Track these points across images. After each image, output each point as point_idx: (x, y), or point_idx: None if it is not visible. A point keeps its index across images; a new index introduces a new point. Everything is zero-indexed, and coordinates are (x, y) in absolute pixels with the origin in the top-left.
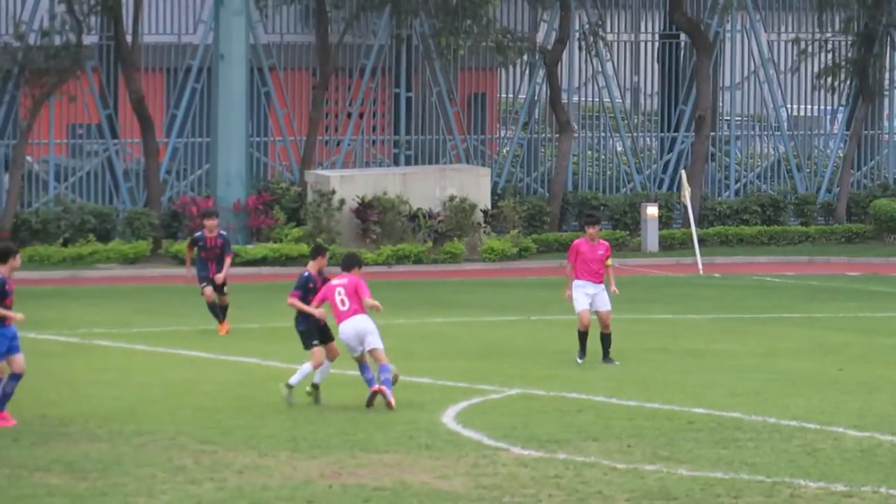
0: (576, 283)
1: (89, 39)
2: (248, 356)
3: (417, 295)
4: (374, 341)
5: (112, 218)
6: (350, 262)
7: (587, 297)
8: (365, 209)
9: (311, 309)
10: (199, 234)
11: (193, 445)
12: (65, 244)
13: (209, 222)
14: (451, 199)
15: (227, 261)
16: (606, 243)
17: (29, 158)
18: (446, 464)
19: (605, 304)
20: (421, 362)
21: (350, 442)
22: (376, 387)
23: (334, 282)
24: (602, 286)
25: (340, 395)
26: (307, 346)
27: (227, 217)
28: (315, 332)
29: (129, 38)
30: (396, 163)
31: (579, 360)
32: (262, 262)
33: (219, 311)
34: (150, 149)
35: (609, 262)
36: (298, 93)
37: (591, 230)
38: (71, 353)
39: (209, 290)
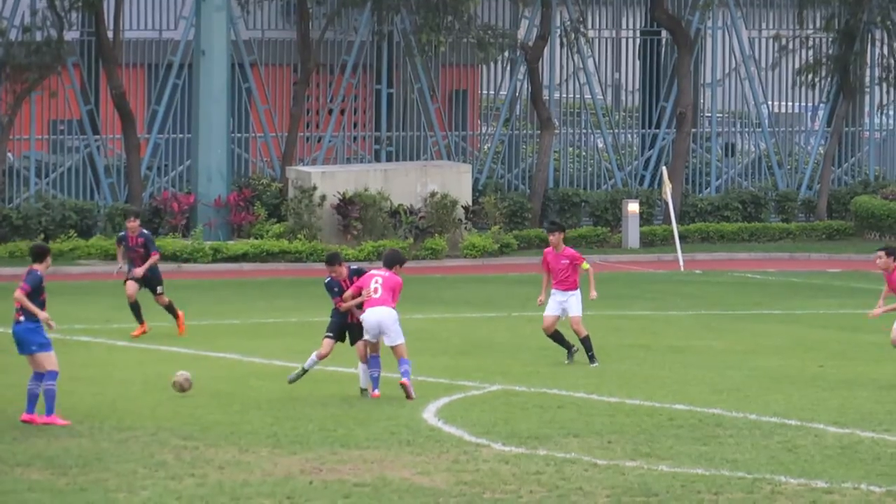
0: (551, 292)
1: (70, 35)
2: (229, 352)
3: None
4: (396, 338)
5: (93, 214)
6: (392, 260)
7: (557, 304)
8: (346, 205)
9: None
10: (122, 233)
11: (174, 441)
12: (45, 240)
13: (129, 223)
14: (433, 195)
15: (152, 259)
16: (571, 251)
17: (9, 154)
18: (427, 460)
19: (573, 310)
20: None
21: (331, 438)
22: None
23: (374, 272)
24: (572, 293)
25: (321, 392)
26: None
27: (208, 213)
28: (334, 326)
29: (110, 34)
30: (377, 159)
31: (566, 362)
32: (242, 258)
33: (140, 310)
34: (132, 145)
35: (584, 266)
36: (279, 89)
37: (551, 238)
38: None
39: (130, 284)
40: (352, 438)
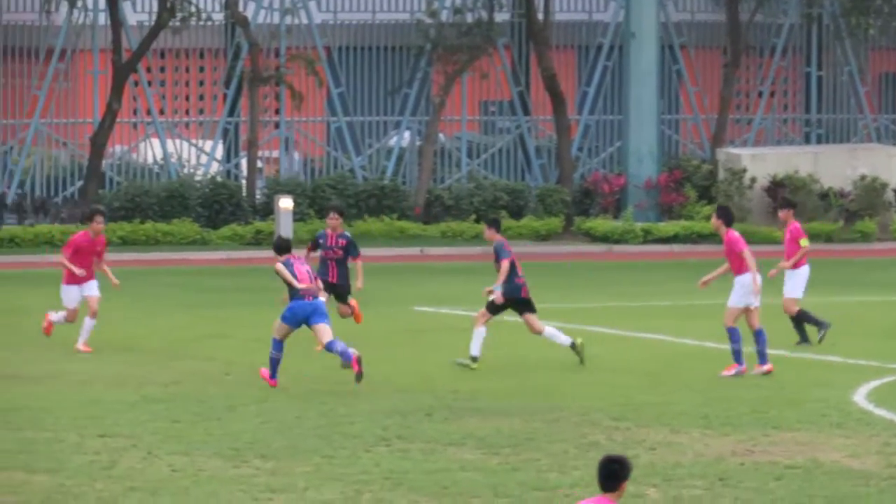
0: None
1: (501, 17)
2: (660, 333)
3: (827, 273)
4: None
5: (524, 195)
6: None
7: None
8: (776, 187)
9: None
10: (321, 231)
11: (605, 422)
12: (477, 220)
13: (331, 220)
14: (862, 178)
15: (358, 265)
16: (794, 225)
17: (441, 135)
18: (858, 442)
19: (785, 290)
20: (830, 340)
21: (762, 419)
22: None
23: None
24: (791, 270)
25: (751, 373)
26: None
27: (638, 194)
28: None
29: (540, 16)
30: (807, 141)
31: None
32: (672, 239)
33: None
34: (562, 126)
35: (803, 242)
36: (709, 71)
37: (779, 213)
38: None
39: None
40: (783, 420)
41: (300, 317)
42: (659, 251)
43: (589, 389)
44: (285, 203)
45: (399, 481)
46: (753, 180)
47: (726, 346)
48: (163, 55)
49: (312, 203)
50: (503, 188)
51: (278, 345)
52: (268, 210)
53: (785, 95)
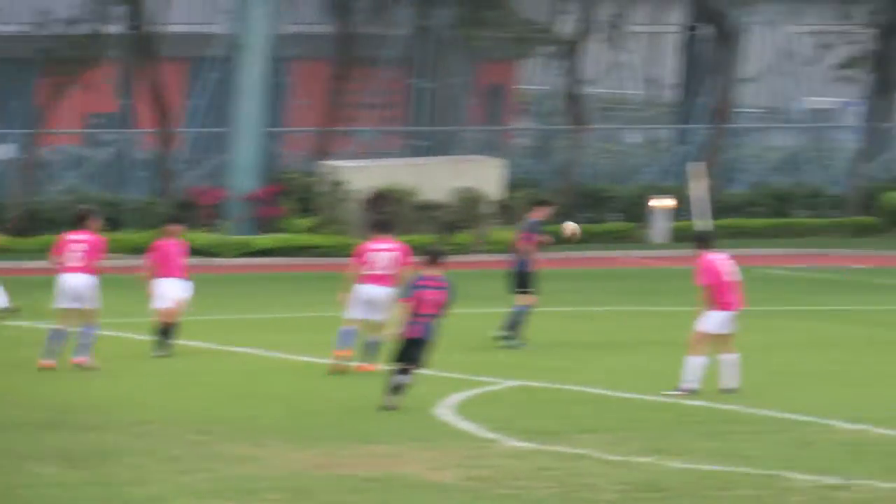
0: None
1: (112, 28)
2: (252, 346)
3: None
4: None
5: (121, 207)
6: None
7: None
8: (377, 199)
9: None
10: None
11: (189, 435)
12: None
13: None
14: (464, 190)
15: None
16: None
17: (44, 148)
18: (439, 455)
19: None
20: None
21: (345, 433)
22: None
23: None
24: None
25: (338, 386)
26: None
27: (237, 207)
28: None
29: (152, 28)
30: (414, 154)
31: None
32: (270, 252)
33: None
34: (166, 138)
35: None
36: (319, 84)
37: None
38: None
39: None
40: (365, 433)
41: None
42: (256, 263)
43: (176, 403)
44: None
45: None
46: (354, 192)
47: (316, 360)
48: None
49: None
50: (102, 201)
51: None
52: None
53: (393, 108)
